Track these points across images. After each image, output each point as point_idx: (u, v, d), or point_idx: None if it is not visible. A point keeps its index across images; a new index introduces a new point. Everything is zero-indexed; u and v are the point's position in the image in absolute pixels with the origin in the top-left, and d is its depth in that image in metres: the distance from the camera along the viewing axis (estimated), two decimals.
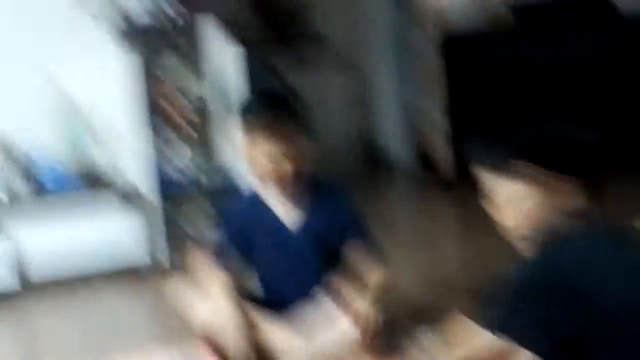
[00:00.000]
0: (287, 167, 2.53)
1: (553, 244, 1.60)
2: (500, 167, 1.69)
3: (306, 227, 2.64)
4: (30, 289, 3.98)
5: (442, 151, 5.77)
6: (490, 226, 1.81)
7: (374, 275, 2.60)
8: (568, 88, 5.37)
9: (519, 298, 1.54)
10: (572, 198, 1.67)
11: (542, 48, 5.32)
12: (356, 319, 2.48)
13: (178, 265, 4.17)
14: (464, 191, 5.33)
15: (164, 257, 4.20)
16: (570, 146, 1.69)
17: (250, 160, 2.59)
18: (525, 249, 1.69)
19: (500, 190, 1.71)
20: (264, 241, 2.67)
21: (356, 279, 2.58)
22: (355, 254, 2.62)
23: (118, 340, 3.15)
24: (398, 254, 4.09)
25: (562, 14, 5.47)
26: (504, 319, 1.55)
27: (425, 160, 6.17)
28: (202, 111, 4.29)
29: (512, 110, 5.10)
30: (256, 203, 2.68)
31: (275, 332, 2.58)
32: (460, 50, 5.49)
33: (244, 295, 2.68)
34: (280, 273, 2.67)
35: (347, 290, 2.55)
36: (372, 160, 6.97)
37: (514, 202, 1.69)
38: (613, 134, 5.33)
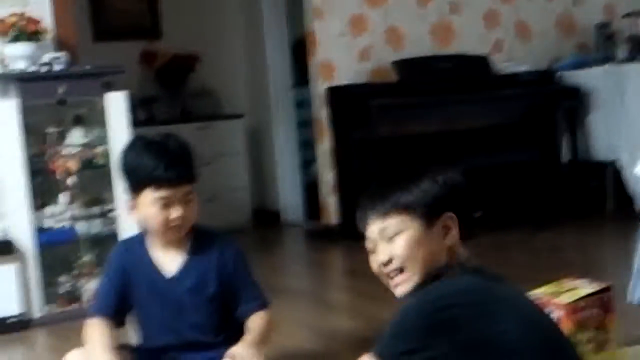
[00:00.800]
0: (176, 217, 2.48)
1: (433, 283, 1.63)
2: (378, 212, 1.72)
3: (187, 276, 2.58)
4: None
5: (329, 202, 5.82)
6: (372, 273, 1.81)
7: (258, 319, 2.56)
8: (448, 134, 5.54)
9: (402, 332, 1.57)
10: (449, 240, 1.71)
11: (424, 98, 5.48)
12: None
13: (52, 316, 4.03)
14: (350, 241, 5.48)
15: (37, 308, 4.03)
16: (450, 188, 1.74)
17: (136, 208, 2.53)
18: (396, 289, 1.72)
19: (375, 230, 1.73)
20: (142, 289, 2.60)
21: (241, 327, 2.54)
22: (238, 302, 2.58)
23: None
24: (286, 304, 4.07)
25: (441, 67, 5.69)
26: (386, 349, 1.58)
27: (313, 211, 6.23)
28: (84, 159, 4.18)
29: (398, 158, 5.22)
30: (137, 251, 2.61)
31: None
32: (346, 101, 5.59)
33: (123, 346, 2.60)
34: (158, 321, 2.60)
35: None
36: (262, 210, 6.98)
37: (388, 239, 1.71)
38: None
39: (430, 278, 1.68)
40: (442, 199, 1.70)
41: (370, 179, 5.66)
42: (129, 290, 2.60)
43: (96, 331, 2.53)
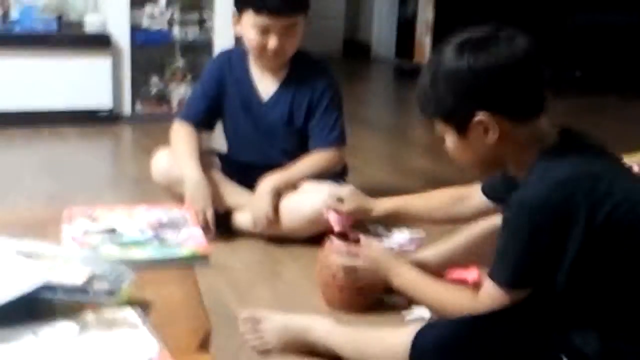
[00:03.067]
0: (273, 47, 2.44)
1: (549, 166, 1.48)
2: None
3: (278, 104, 2.58)
4: None
5: (424, 41, 5.70)
6: None
7: (315, 155, 2.54)
8: None
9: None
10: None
11: None
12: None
13: (140, 115, 4.14)
14: None
15: (127, 105, 4.13)
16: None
17: (240, 29, 2.50)
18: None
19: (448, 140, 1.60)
20: (235, 105, 2.62)
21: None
22: (311, 135, 2.57)
23: (75, 183, 3.11)
24: (367, 136, 4.09)
25: None
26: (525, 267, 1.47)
27: (403, 49, 6.12)
28: None
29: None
30: (237, 66, 2.61)
31: (234, 192, 2.56)
32: None
33: (209, 151, 2.67)
34: (248, 140, 2.63)
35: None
36: (353, 41, 6.89)
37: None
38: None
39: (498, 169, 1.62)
40: (462, 104, 1.50)
41: (469, 25, 5.54)
42: (221, 102, 2.62)
43: (183, 135, 2.59)
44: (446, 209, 2.02)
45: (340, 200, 2.14)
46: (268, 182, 2.47)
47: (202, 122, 2.64)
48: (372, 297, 2.04)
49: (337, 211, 2.13)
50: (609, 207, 1.41)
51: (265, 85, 2.59)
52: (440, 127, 1.59)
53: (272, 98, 2.58)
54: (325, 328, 1.77)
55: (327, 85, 2.57)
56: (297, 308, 2.02)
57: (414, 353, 1.51)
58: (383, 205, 2.13)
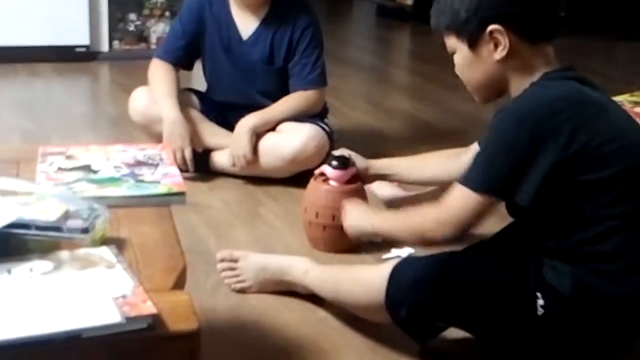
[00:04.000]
0: None
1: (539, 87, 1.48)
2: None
3: (258, 44, 2.54)
4: None
5: None
6: (443, 58, 1.73)
7: (296, 96, 2.53)
8: None
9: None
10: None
11: None
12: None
13: (118, 52, 4.08)
14: (422, 23, 5.33)
15: (105, 42, 4.07)
16: None
17: None
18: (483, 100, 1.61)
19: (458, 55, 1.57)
20: (215, 43, 2.58)
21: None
22: (291, 75, 2.54)
23: (51, 121, 3.07)
24: (350, 77, 4.06)
25: None
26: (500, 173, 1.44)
27: None
28: None
29: None
30: (217, 3, 2.56)
31: (212, 132, 2.55)
32: None
33: (188, 90, 2.65)
34: (228, 80, 2.59)
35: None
36: None
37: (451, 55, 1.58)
38: None
39: (500, 94, 1.57)
40: (476, 15, 1.49)
41: None
42: (200, 40, 2.58)
43: (161, 73, 2.55)
44: (445, 164, 1.98)
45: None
46: (247, 122, 2.45)
47: (181, 60, 2.60)
48: None
49: (340, 167, 2.04)
50: (590, 133, 1.41)
51: (245, 23, 2.55)
52: (452, 41, 1.56)
53: (252, 36, 2.54)
54: (303, 268, 1.77)
55: (308, 24, 2.53)
56: (275, 248, 2.03)
57: (390, 288, 1.51)
58: (377, 163, 2.10)
